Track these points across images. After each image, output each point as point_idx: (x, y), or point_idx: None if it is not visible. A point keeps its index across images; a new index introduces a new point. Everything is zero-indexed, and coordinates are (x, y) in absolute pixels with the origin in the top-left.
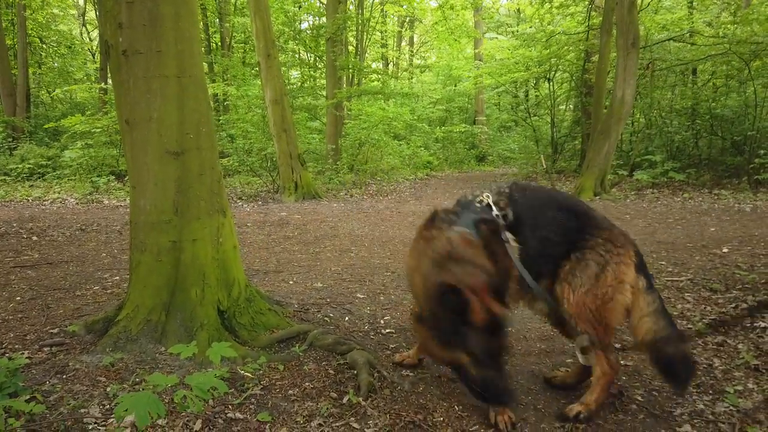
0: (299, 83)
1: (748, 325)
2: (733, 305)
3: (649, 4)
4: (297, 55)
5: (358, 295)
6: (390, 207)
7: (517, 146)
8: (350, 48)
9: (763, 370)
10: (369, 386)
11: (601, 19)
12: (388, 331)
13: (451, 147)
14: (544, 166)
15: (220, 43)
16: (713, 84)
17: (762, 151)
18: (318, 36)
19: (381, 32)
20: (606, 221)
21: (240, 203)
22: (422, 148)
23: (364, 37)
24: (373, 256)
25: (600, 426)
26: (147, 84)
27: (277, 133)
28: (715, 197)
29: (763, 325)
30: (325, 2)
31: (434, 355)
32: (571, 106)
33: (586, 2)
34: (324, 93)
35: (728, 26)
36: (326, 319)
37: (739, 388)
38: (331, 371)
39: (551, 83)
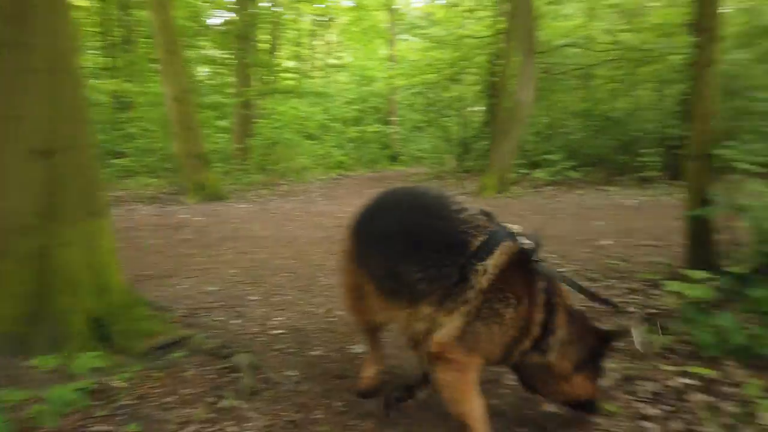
0: (206, 80)
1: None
2: (608, 293)
3: (550, 12)
4: (204, 52)
5: (252, 297)
6: (298, 207)
7: (429, 146)
8: (263, 46)
9: (625, 351)
10: (250, 388)
11: (507, 24)
12: (278, 332)
13: (364, 147)
14: (452, 166)
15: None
16: (606, 88)
17: (644, 150)
18: (226, 33)
19: (295, 31)
20: None
21: (138, 206)
22: (335, 148)
23: (277, 35)
24: (274, 258)
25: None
26: (13, 78)
27: (180, 131)
28: (606, 193)
29: (630, 309)
30: None
31: None
32: (483, 107)
33: (494, 8)
34: (233, 91)
35: (622, 33)
36: (215, 322)
37: None
38: (213, 376)
39: (460, 85)
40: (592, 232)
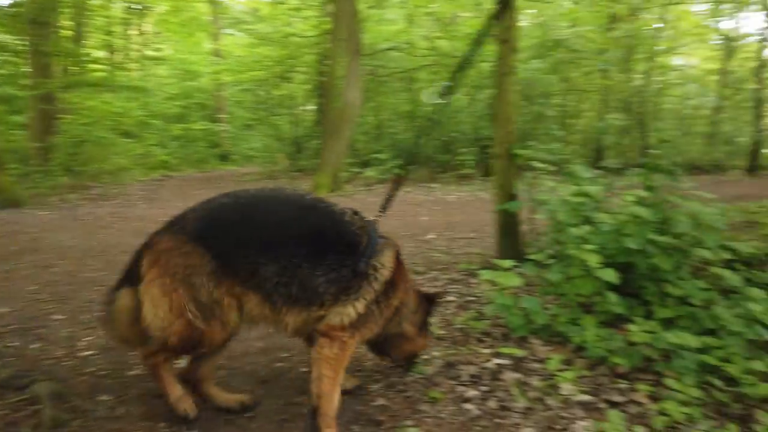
0: None
1: (440, 300)
2: (431, 284)
3: (373, 15)
4: None
5: (56, 316)
6: (114, 213)
7: (260, 145)
8: (67, 33)
9: (447, 339)
10: (54, 420)
11: (332, 25)
12: (88, 353)
13: (190, 145)
14: (285, 165)
15: None
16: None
17: (463, 150)
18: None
19: (105, 18)
20: None
21: None
22: (157, 147)
23: (83, 21)
24: (82, 270)
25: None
26: None
27: None
28: (429, 190)
29: (450, 298)
30: None
31: None
32: (313, 106)
33: (320, 8)
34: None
35: (438, 40)
36: (8, 349)
37: (426, 357)
38: (6, 411)
39: (291, 83)
40: (418, 226)
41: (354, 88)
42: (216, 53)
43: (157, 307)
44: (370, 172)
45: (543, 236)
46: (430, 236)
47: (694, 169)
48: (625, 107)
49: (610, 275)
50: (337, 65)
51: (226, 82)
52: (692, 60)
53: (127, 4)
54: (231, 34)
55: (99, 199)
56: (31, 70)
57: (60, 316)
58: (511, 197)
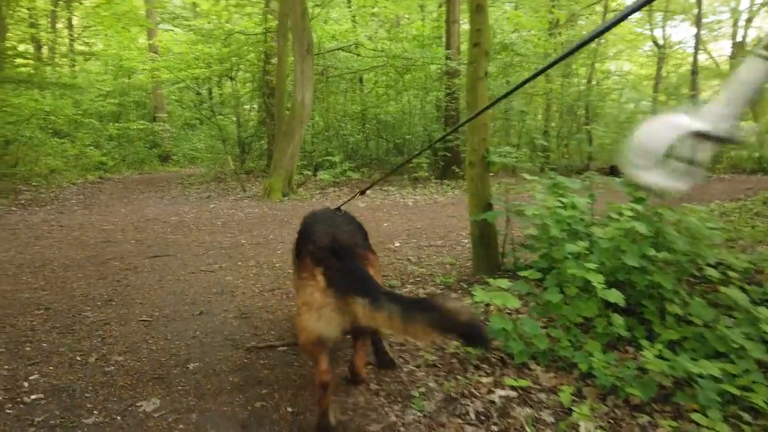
0: None
1: None
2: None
3: (319, 14)
4: None
5: None
6: (50, 220)
7: (204, 145)
8: None
9: (439, 365)
10: None
11: (277, 22)
12: (35, 396)
13: (128, 146)
14: (232, 167)
15: None
16: (376, 92)
17: (416, 152)
18: None
19: (28, 9)
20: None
21: None
22: (92, 147)
23: (4, 13)
24: (20, 289)
25: None
26: None
27: None
28: (385, 193)
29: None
30: None
31: None
32: (255, 106)
33: (262, 5)
34: None
35: (385, 42)
36: None
37: (423, 389)
38: None
39: (234, 82)
40: (382, 234)
41: (306, 89)
42: (152, 49)
43: None
44: (323, 175)
45: (520, 247)
46: (396, 244)
47: None
48: (569, 111)
49: (616, 296)
50: (283, 64)
51: (165, 80)
52: (627, 66)
53: None
54: (169, 30)
55: (31, 205)
56: None
57: None
58: (487, 206)
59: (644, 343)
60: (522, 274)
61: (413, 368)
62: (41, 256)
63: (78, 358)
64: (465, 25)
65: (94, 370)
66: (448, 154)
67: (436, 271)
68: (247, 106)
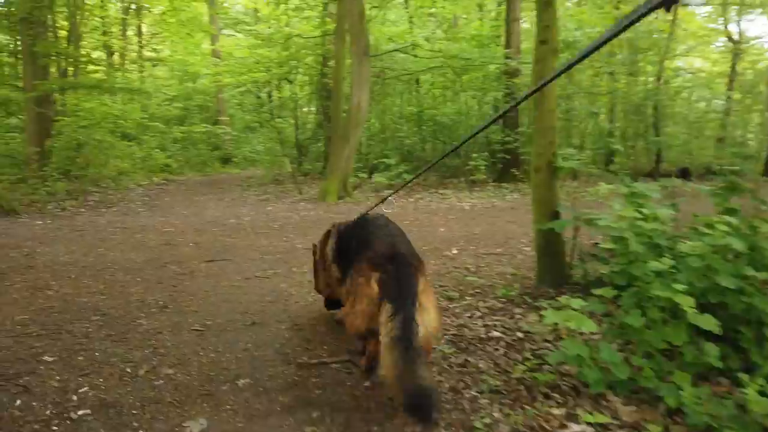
0: None
1: (484, 336)
2: (469, 314)
3: (376, 16)
4: None
5: (46, 357)
6: (114, 222)
7: (263, 148)
8: (62, 33)
9: (504, 391)
10: None
11: (335, 25)
12: (82, 412)
13: (192, 148)
14: (289, 170)
15: None
16: (432, 93)
17: (474, 155)
18: (9, 14)
19: (101, 18)
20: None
21: None
22: (157, 150)
23: (79, 21)
24: (79, 293)
25: None
26: None
27: None
28: (441, 196)
29: (496, 334)
30: None
31: None
32: (313, 108)
33: (321, 8)
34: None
35: (443, 42)
36: None
37: (487, 420)
38: None
39: (292, 85)
40: (439, 240)
41: (363, 90)
42: (215, 54)
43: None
44: (378, 178)
45: (588, 257)
46: (453, 251)
47: (709, 173)
48: (636, 111)
49: (710, 323)
50: (341, 67)
51: (226, 84)
52: (699, 63)
53: (124, 5)
54: (231, 35)
55: (99, 207)
56: (25, 71)
57: (50, 358)
58: (554, 215)
59: (742, 376)
60: (597, 292)
61: (475, 394)
62: (103, 259)
63: (128, 370)
64: (525, 24)
65: (143, 384)
66: (507, 157)
67: (497, 281)
68: (305, 109)
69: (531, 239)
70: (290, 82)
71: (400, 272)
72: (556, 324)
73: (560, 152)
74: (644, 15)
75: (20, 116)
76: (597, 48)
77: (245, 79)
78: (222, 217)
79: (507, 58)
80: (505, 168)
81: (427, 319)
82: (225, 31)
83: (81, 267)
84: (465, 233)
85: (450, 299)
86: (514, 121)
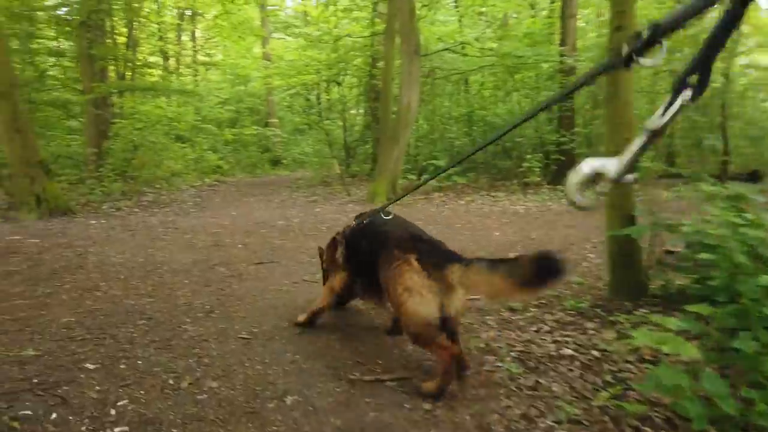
0: (48, 74)
1: (554, 353)
2: (535, 328)
3: (426, 15)
4: (45, 41)
5: (88, 364)
6: (166, 222)
7: (312, 150)
8: (120, 39)
9: (585, 422)
10: None
11: (385, 25)
12: (119, 429)
13: (243, 150)
14: (338, 171)
15: None
16: (482, 93)
17: (528, 156)
18: (69, 19)
19: (158, 24)
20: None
21: None
22: (210, 152)
23: (136, 26)
24: (127, 295)
25: None
26: None
27: (7, 134)
28: (493, 199)
29: (568, 352)
30: None
31: None
32: (361, 110)
33: (370, 8)
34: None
35: (493, 41)
36: (20, 418)
37: None
38: None
39: (341, 87)
40: (494, 244)
41: (412, 91)
42: (266, 57)
43: None
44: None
45: (667, 266)
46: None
47: None
48: (700, 110)
49: None
50: (390, 67)
51: (277, 87)
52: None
53: (179, 10)
54: (281, 38)
55: (152, 207)
56: (83, 74)
57: (92, 365)
58: (629, 219)
59: None
60: (691, 309)
61: (552, 424)
62: (153, 260)
63: (171, 382)
64: (580, 22)
65: (185, 398)
66: (562, 158)
67: (563, 291)
68: (353, 111)
69: (594, 245)
70: (339, 84)
71: (433, 245)
72: (652, 348)
73: None
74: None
75: (80, 119)
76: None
77: (295, 82)
78: (271, 218)
79: (562, 55)
80: (560, 170)
81: (455, 300)
82: (275, 35)
83: (130, 268)
84: (521, 238)
85: (512, 310)
86: (569, 121)
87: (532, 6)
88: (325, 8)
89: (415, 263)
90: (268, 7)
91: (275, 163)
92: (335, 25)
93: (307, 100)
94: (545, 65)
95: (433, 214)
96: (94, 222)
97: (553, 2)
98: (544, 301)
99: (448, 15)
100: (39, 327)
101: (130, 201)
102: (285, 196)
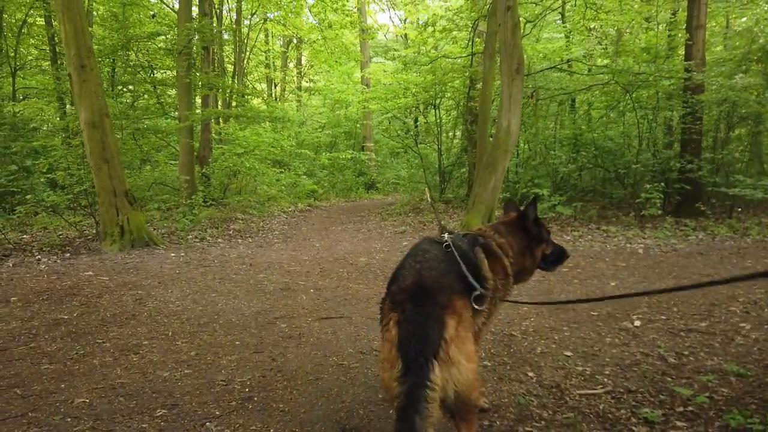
0: (145, 103)
1: None
2: None
3: (530, 32)
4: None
5: None
6: (244, 256)
7: (406, 173)
8: (228, 67)
9: None
10: None
11: (484, 45)
12: None
13: (338, 174)
14: (429, 200)
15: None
16: (591, 115)
17: (647, 185)
18: (169, 49)
19: (264, 52)
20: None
21: (42, 255)
22: (304, 176)
23: (244, 56)
24: (165, 362)
25: None
26: None
27: (95, 163)
28: (604, 234)
29: None
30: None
31: None
32: (458, 133)
33: (470, 28)
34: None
35: (603, 58)
36: None
37: None
38: None
39: (438, 110)
40: (606, 299)
41: (513, 114)
42: (364, 81)
43: None
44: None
45: None
46: (636, 323)
47: None
48: None
49: None
50: (489, 87)
51: (373, 111)
52: None
53: (285, 38)
54: (380, 63)
55: (237, 237)
56: (180, 102)
57: None
58: None
59: None
60: None
61: None
62: (212, 308)
63: None
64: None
65: None
66: (687, 187)
67: (717, 388)
68: (450, 133)
69: (746, 306)
70: (435, 107)
71: (418, 312)
72: None
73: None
74: None
75: (177, 146)
76: None
77: (391, 105)
78: (353, 252)
79: (688, 71)
80: (684, 201)
81: (456, 376)
82: (375, 59)
83: (183, 320)
84: (644, 289)
85: (648, 422)
86: (695, 146)
87: (647, 19)
88: (423, 29)
89: (394, 331)
90: (368, 31)
91: (370, 186)
92: (434, 47)
93: (404, 123)
94: (666, 82)
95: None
96: (173, 255)
97: (673, 13)
98: (692, 409)
99: (553, 32)
100: (44, 413)
101: (216, 230)
102: (373, 225)
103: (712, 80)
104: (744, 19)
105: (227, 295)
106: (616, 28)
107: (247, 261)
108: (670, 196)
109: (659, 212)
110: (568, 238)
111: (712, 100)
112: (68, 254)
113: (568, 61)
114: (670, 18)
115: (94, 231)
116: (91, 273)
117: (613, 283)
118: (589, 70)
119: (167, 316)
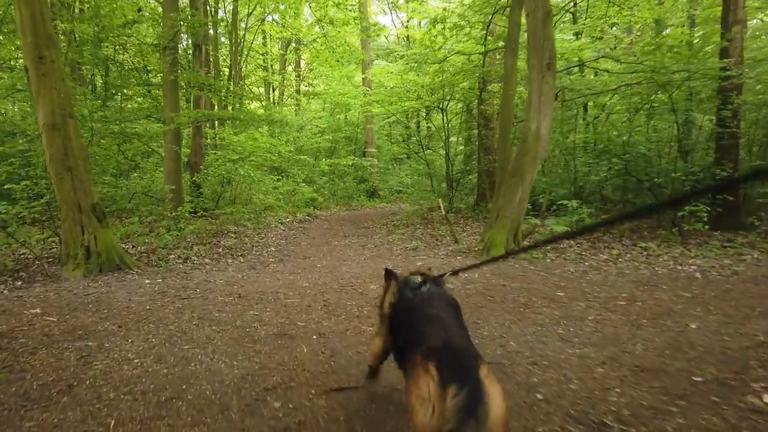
0: (123, 104)
1: None
2: None
3: (558, 21)
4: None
5: None
6: (234, 281)
7: (410, 180)
8: (225, 71)
9: None
10: None
11: (501, 43)
12: None
13: (338, 181)
14: (443, 212)
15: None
16: (614, 118)
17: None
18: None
19: (262, 55)
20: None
21: None
22: (303, 184)
23: (240, 58)
24: None
25: None
26: None
27: (56, 172)
28: (645, 253)
29: None
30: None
31: None
32: (466, 137)
33: (482, 23)
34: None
35: (633, 54)
36: None
37: None
38: None
39: (445, 114)
40: (700, 360)
41: (543, 116)
42: (366, 83)
43: None
44: (555, 225)
45: None
46: (764, 397)
47: None
48: None
49: None
50: (511, 86)
51: (375, 114)
52: None
53: (284, 41)
54: (383, 65)
55: (226, 256)
56: (166, 104)
57: None
58: None
59: None
60: None
61: None
62: (180, 372)
63: None
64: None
65: None
66: (730, 198)
67: None
68: (453, 139)
69: None
70: (442, 110)
71: (460, 358)
72: None
73: None
74: None
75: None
76: None
77: (394, 109)
78: (361, 275)
79: (724, 69)
80: (724, 214)
81: (493, 404)
82: (377, 62)
83: (137, 394)
84: (724, 336)
85: None
86: (734, 152)
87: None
88: (432, 26)
89: (434, 372)
90: (371, 28)
91: (372, 194)
92: (441, 46)
93: (407, 127)
94: (697, 83)
95: (574, 280)
96: (147, 282)
97: (705, 9)
98: None
99: (564, 32)
100: None
101: (204, 246)
102: (379, 239)
103: (757, 79)
104: None
105: (204, 346)
106: (650, 23)
107: (235, 290)
108: (719, 209)
109: (706, 227)
110: (605, 257)
111: (756, 101)
112: (20, 282)
113: (596, 58)
114: (704, 12)
115: (57, 252)
116: (38, 310)
117: (693, 326)
118: (622, 69)
119: (116, 388)
